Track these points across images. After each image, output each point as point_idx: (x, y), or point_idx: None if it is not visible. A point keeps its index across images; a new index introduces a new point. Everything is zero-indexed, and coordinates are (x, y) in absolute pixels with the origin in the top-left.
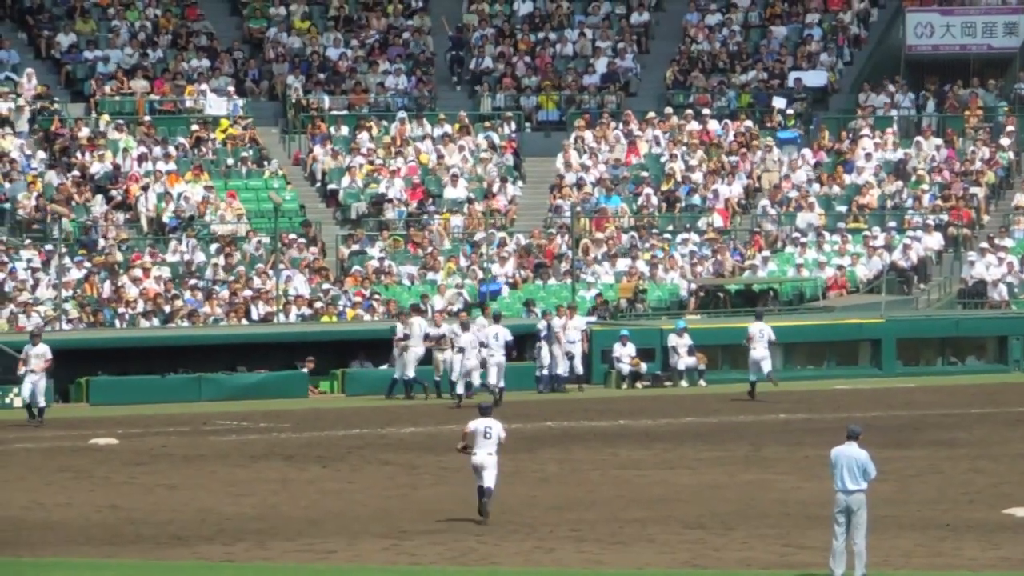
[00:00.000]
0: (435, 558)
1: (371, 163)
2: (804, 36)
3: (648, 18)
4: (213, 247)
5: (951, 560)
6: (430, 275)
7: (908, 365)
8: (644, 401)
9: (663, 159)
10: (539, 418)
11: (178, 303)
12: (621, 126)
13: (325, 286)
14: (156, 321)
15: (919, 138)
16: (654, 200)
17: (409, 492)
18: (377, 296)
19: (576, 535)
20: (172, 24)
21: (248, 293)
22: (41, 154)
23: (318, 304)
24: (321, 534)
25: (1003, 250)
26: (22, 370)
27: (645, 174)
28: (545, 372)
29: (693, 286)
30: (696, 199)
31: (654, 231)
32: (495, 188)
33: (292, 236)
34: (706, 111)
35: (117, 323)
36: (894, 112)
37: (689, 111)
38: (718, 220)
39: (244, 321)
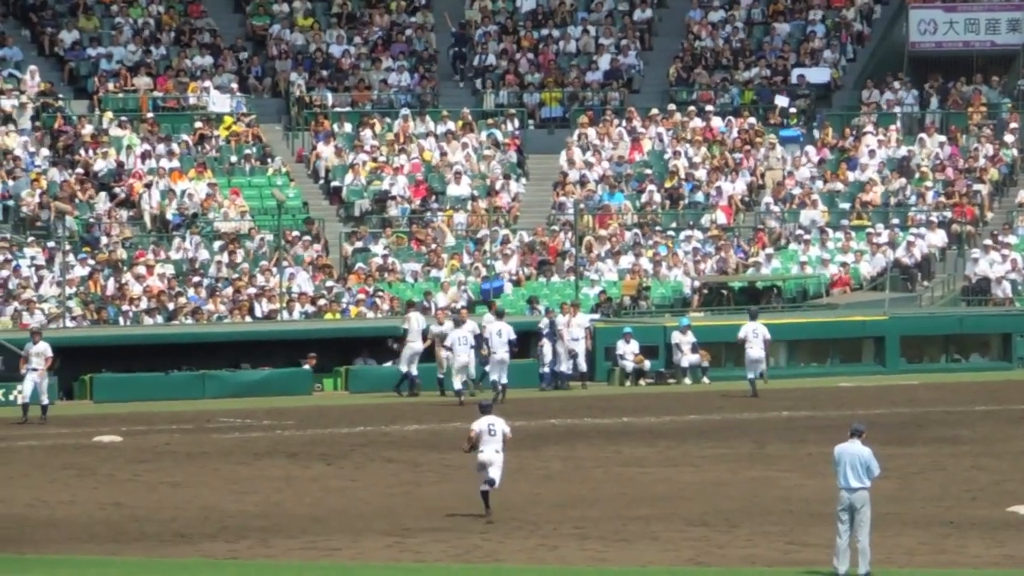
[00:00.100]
0: (439, 555)
1: (374, 160)
2: (807, 33)
3: (651, 15)
4: (217, 244)
5: (955, 558)
6: (433, 272)
7: (912, 362)
8: (648, 398)
9: (666, 156)
10: (543, 415)
11: (182, 300)
12: (624, 123)
13: (328, 283)
14: (160, 318)
15: (922, 135)
16: (657, 197)
17: (413, 489)
18: (381, 293)
19: (580, 532)
20: (175, 21)
21: (252, 290)
22: (45, 151)
23: (321, 301)
24: (325, 532)
25: (1007, 247)
26: (24, 368)
27: (648, 171)
28: (547, 369)
29: (696, 283)
30: (699, 196)
31: (657, 228)
32: (498, 185)
33: (295, 233)
34: (709, 108)
35: (121, 320)
36: (897, 109)
37: (692, 108)
38: (721, 217)
39: (248, 318)
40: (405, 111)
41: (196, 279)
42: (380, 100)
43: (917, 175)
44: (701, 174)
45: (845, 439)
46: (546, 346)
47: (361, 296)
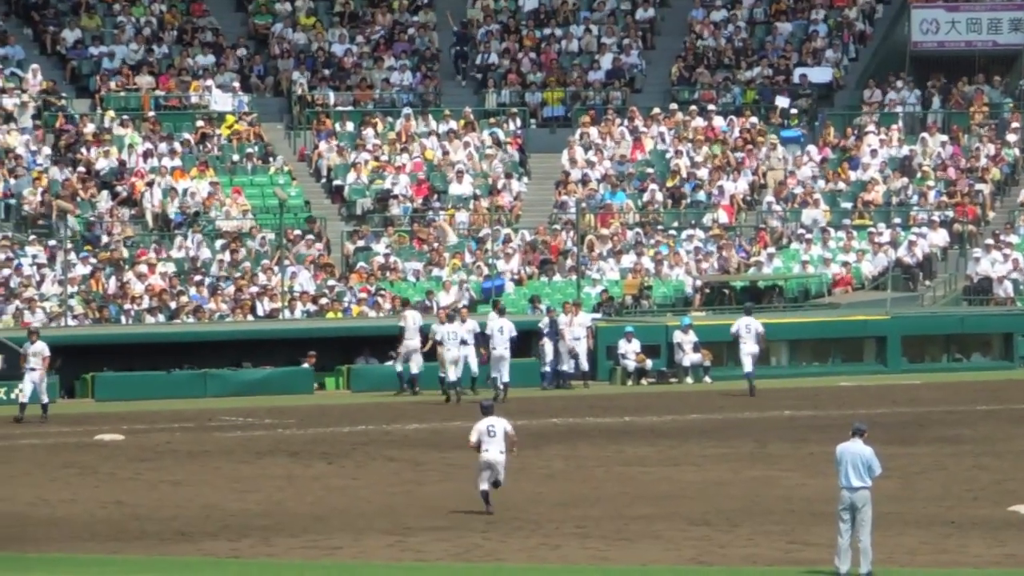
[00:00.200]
0: (440, 554)
1: (376, 159)
2: (809, 32)
3: (653, 14)
4: (218, 243)
5: (956, 557)
6: (435, 271)
7: (913, 362)
8: (649, 398)
9: (668, 155)
10: (544, 414)
11: (183, 299)
12: (626, 122)
13: (330, 282)
14: (161, 317)
15: (924, 135)
16: (659, 196)
17: (414, 488)
18: (382, 292)
19: (581, 531)
20: (177, 20)
21: (253, 289)
22: (46, 150)
23: (323, 300)
24: (326, 530)
25: (1008, 246)
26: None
27: (650, 170)
28: (548, 369)
29: (698, 282)
30: (701, 195)
31: (659, 227)
32: (500, 184)
33: (297, 232)
34: (711, 107)
35: (122, 319)
36: (899, 108)
37: (694, 107)
38: (723, 216)
39: (249, 317)
40: (407, 110)
41: (198, 278)
42: (382, 99)
43: (919, 174)
44: (703, 173)
45: (847, 438)
46: (547, 345)
47: (363, 295)
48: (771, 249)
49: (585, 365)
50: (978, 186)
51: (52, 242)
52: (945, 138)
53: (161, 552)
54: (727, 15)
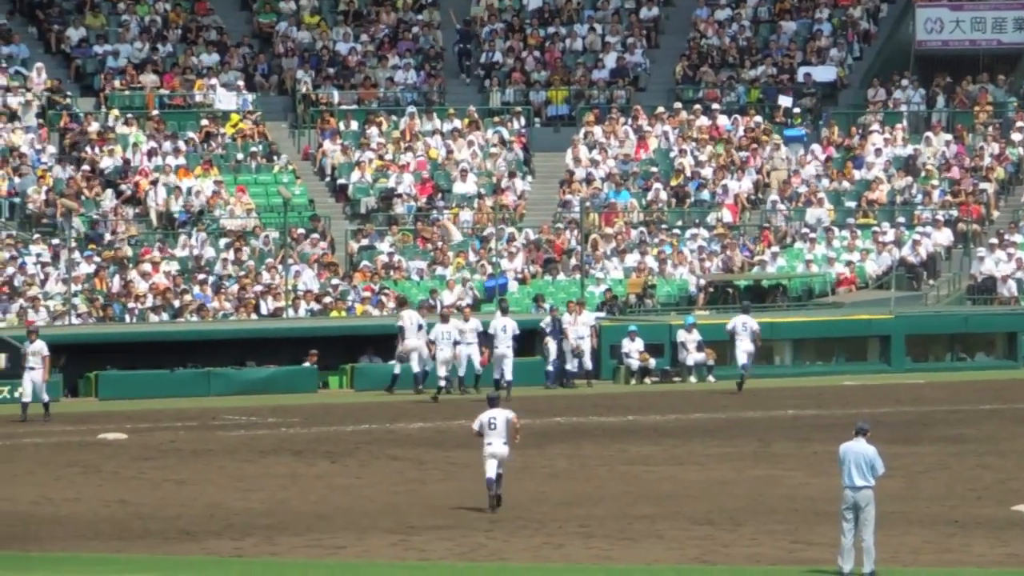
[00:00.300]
0: (444, 553)
1: (380, 158)
2: (813, 31)
3: (657, 13)
4: (222, 242)
5: (960, 556)
6: (439, 270)
7: (917, 361)
8: (653, 397)
9: (672, 154)
10: (548, 413)
11: (187, 298)
12: (630, 121)
13: (334, 281)
14: (165, 316)
15: (929, 134)
16: (663, 195)
17: (418, 487)
18: (386, 291)
19: (585, 531)
20: (182, 19)
21: (257, 288)
22: (51, 148)
23: (327, 299)
24: (330, 529)
25: (1012, 246)
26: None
27: (654, 169)
28: (550, 368)
29: (702, 281)
30: (705, 194)
31: (663, 226)
32: (504, 183)
33: (301, 231)
34: (715, 106)
35: (126, 318)
36: (903, 108)
37: (698, 106)
38: (727, 215)
39: (253, 316)
40: (411, 109)
41: (202, 276)
42: (386, 98)
43: (923, 174)
44: (707, 172)
45: (850, 438)
46: (550, 344)
47: (367, 294)
48: (775, 248)
49: (589, 364)
50: (982, 185)
51: (56, 241)
52: (949, 137)
53: (165, 551)
54: (731, 14)
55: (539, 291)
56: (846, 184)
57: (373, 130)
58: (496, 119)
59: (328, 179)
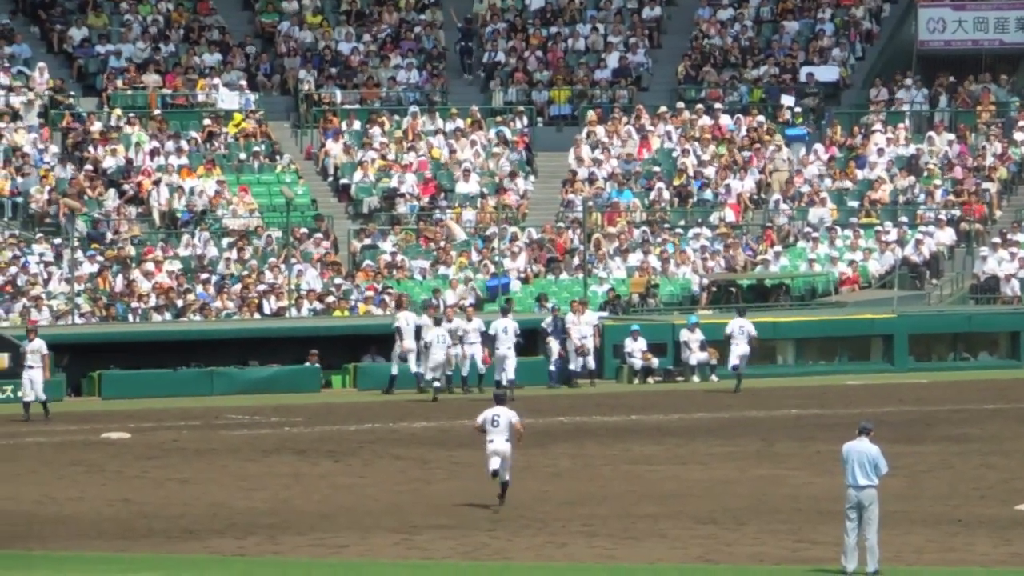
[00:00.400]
0: (447, 553)
1: (383, 157)
2: (816, 31)
3: (660, 13)
4: (225, 241)
5: (963, 556)
6: (442, 270)
7: (920, 360)
8: (656, 396)
9: (675, 154)
10: (551, 413)
11: (190, 297)
12: (633, 121)
13: (337, 280)
14: (168, 315)
15: (931, 133)
16: (666, 195)
17: (421, 487)
18: (389, 291)
19: (588, 530)
20: (184, 18)
21: (260, 287)
22: (54, 148)
23: (330, 299)
24: (333, 528)
25: (1015, 245)
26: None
27: (657, 169)
28: (552, 367)
29: (705, 281)
30: (708, 194)
31: (666, 226)
32: (507, 183)
33: (304, 230)
34: (718, 106)
35: (129, 317)
36: (906, 107)
37: (701, 106)
38: (730, 215)
39: (256, 315)
40: (414, 108)
41: (204, 276)
42: (389, 97)
43: (926, 173)
44: (710, 172)
45: (853, 437)
46: (552, 343)
47: (369, 293)
48: (778, 248)
49: (592, 363)
50: (985, 185)
51: (59, 240)
52: (952, 137)
53: (168, 550)
54: (734, 14)
55: (542, 291)
56: (849, 184)
57: (376, 130)
58: (499, 119)
59: (331, 179)
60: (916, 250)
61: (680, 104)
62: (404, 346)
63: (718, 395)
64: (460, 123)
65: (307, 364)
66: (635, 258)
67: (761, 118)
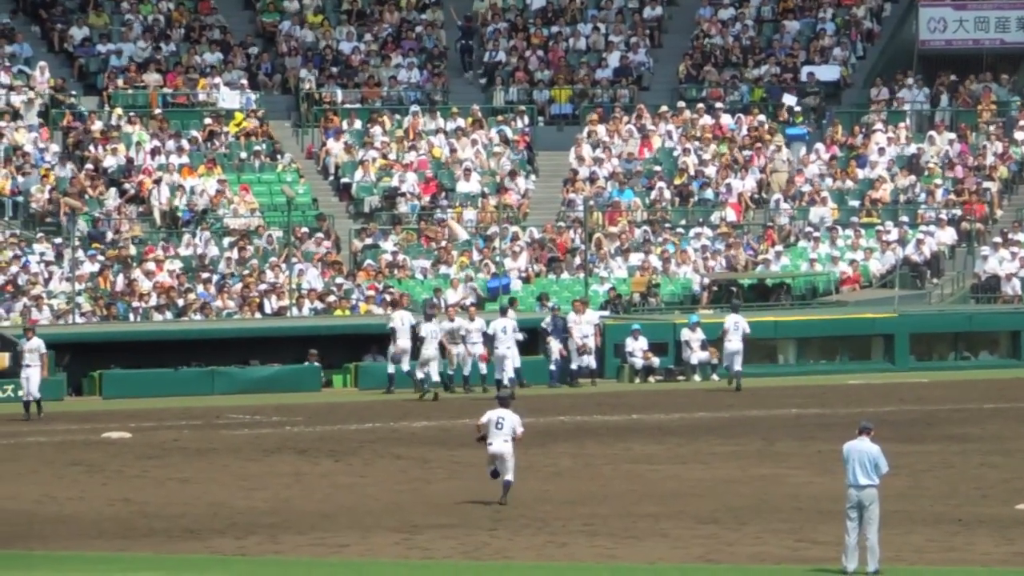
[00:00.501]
0: (448, 552)
1: (384, 157)
2: (817, 31)
3: (661, 12)
4: (226, 241)
5: (964, 555)
6: (443, 269)
7: (921, 360)
8: (657, 395)
9: (676, 153)
10: (552, 412)
11: (191, 297)
12: (634, 120)
13: (338, 280)
14: (169, 315)
15: (932, 133)
16: (667, 194)
17: (421, 486)
18: (390, 290)
19: (589, 529)
20: (185, 18)
21: (261, 287)
22: (54, 147)
23: (331, 298)
24: (333, 528)
25: (1016, 245)
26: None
27: (658, 168)
28: (552, 367)
29: (706, 280)
30: (709, 193)
31: (667, 225)
32: (508, 182)
33: (305, 230)
34: (719, 105)
35: (130, 316)
36: (907, 107)
37: (702, 105)
38: (731, 214)
39: (257, 315)
40: (415, 108)
41: (205, 275)
42: (390, 97)
43: (926, 173)
44: (711, 171)
45: (854, 436)
46: (552, 343)
47: (370, 293)
48: (779, 247)
49: (593, 363)
50: (986, 184)
51: (60, 239)
52: (953, 136)
53: (168, 550)
54: (735, 13)
55: (543, 290)
56: (850, 183)
57: (376, 129)
58: (500, 118)
59: (332, 178)
60: (917, 249)
61: (681, 103)
62: (398, 346)
63: (719, 394)
64: (461, 122)
65: (307, 364)
66: (636, 257)
67: (762, 117)
